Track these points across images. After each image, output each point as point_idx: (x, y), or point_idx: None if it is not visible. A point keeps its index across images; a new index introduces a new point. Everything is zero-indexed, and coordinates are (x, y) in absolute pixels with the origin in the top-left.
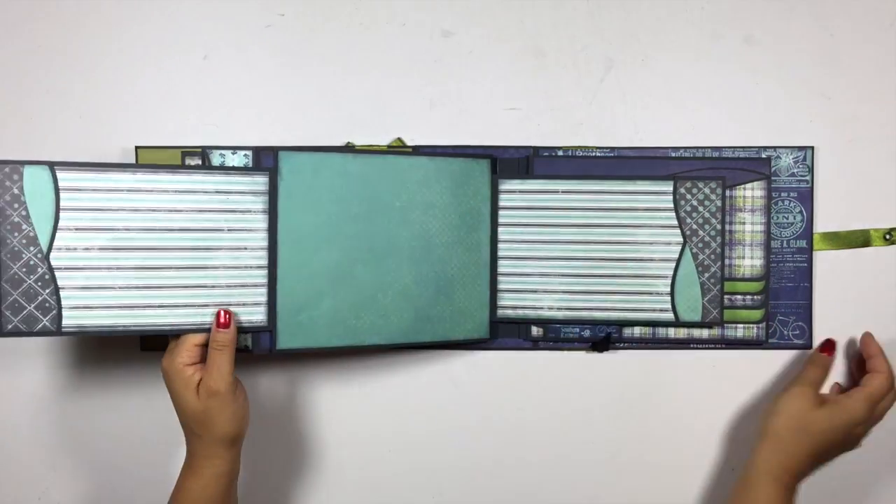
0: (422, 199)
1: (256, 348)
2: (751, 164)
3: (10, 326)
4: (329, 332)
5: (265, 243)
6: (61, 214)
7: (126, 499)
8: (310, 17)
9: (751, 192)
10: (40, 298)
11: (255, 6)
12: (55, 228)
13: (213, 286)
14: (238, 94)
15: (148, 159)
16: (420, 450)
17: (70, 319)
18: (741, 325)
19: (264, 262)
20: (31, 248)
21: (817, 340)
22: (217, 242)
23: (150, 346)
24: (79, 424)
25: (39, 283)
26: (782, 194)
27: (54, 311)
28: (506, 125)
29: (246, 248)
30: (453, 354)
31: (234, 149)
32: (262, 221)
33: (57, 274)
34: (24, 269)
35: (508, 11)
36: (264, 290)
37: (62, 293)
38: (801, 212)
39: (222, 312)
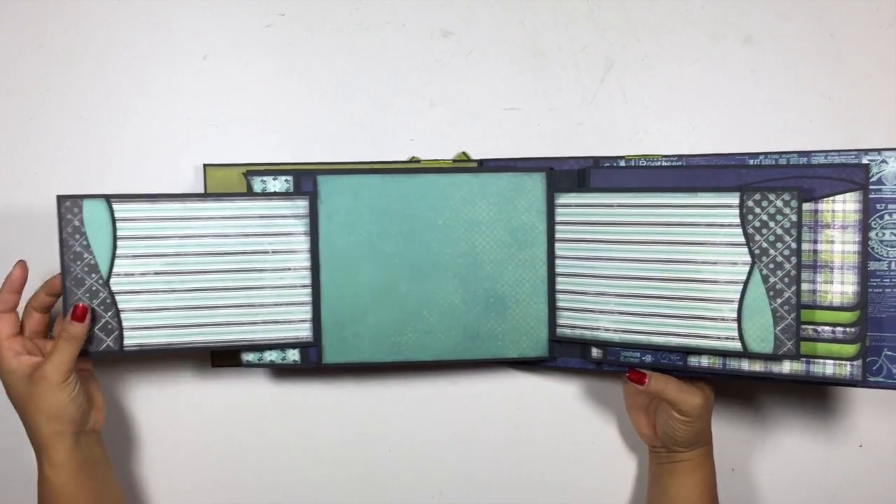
0: (466, 217)
1: (305, 362)
2: (843, 172)
3: None
4: (373, 348)
5: (308, 263)
6: (119, 243)
7: (126, 499)
8: (310, 17)
9: (842, 206)
10: (103, 321)
11: (255, 6)
12: (113, 256)
13: (261, 305)
14: (237, 95)
15: (215, 178)
16: (422, 452)
17: (131, 339)
18: (831, 362)
19: (308, 281)
20: (93, 275)
21: None
22: (263, 264)
23: (219, 363)
24: None
25: (102, 307)
26: (889, 206)
27: (116, 332)
28: (506, 125)
29: (290, 269)
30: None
31: (275, 174)
32: (304, 243)
33: (117, 298)
34: (87, 295)
35: (508, 11)
36: (309, 308)
37: (122, 315)
38: None
39: (80, 306)
